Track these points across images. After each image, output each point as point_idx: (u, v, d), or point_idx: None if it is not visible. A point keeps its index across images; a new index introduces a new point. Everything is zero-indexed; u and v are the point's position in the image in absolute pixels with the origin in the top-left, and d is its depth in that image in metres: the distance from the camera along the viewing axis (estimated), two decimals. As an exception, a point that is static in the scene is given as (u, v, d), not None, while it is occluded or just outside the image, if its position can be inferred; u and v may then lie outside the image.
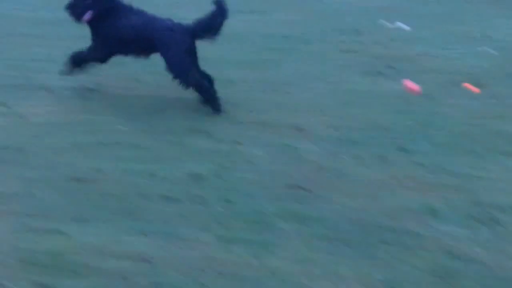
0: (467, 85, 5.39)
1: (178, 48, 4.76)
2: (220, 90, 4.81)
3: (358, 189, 3.73)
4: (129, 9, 4.95)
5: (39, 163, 3.86)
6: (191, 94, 4.90)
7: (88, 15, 4.84)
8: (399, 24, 7.37)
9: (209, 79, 4.89)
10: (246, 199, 3.57)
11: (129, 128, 4.39)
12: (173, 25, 4.80)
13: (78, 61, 5.03)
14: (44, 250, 3.02)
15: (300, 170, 3.92)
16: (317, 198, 3.60)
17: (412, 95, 5.16)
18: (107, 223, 3.25)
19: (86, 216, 3.30)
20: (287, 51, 6.28)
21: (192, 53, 4.85)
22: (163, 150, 4.10)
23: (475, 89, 5.31)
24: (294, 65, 5.89)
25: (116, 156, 3.98)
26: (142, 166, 3.86)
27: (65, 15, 4.92)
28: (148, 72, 5.62)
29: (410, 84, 5.28)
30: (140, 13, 4.94)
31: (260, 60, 5.97)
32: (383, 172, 3.92)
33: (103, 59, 5.06)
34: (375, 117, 4.73)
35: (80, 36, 6.64)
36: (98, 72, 5.52)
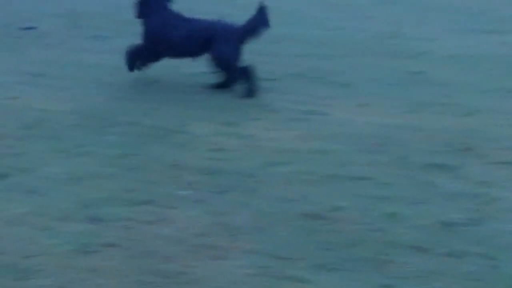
0: None
1: None
2: (464, 119, 4.27)
3: None
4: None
5: (271, 193, 3.57)
6: (428, 122, 4.44)
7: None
8: None
9: None
10: (512, 258, 3.00)
11: (365, 160, 3.99)
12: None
13: None
14: (286, 300, 2.70)
15: None
16: None
17: None
18: (353, 274, 2.84)
19: (328, 263, 2.91)
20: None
21: None
22: (406, 188, 3.64)
23: None
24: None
25: (354, 192, 3.60)
26: (384, 206, 3.43)
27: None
28: (377, 95, 5.23)
29: None
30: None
31: (509, 87, 5.31)
32: None
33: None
34: None
35: (308, 55, 6.48)
36: (321, 94, 5.25)
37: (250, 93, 5.11)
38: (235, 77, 5.20)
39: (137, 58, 5.31)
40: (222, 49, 5.15)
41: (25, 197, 3.45)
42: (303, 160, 3.99)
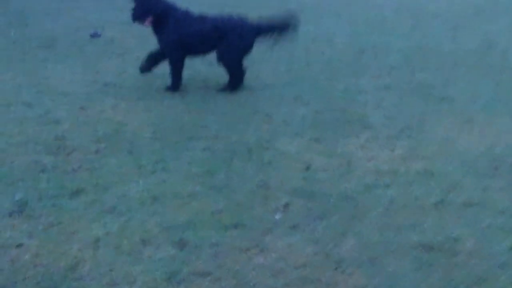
0: None
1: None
2: None
3: None
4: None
5: (375, 220, 3.34)
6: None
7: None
8: None
9: None
10: None
11: (477, 184, 3.73)
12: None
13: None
14: None
15: None
16: None
17: None
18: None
19: (453, 303, 2.69)
20: None
21: None
22: (530, 218, 3.39)
23: None
24: None
25: (469, 220, 3.33)
26: (506, 237, 3.17)
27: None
28: (480, 111, 4.95)
29: None
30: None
31: None
32: None
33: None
34: None
35: (398, 66, 6.23)
36: (418, 108, 5.01)
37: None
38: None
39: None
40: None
41: (103, 216, 3.30)
42: (407, 183, 3.75)
